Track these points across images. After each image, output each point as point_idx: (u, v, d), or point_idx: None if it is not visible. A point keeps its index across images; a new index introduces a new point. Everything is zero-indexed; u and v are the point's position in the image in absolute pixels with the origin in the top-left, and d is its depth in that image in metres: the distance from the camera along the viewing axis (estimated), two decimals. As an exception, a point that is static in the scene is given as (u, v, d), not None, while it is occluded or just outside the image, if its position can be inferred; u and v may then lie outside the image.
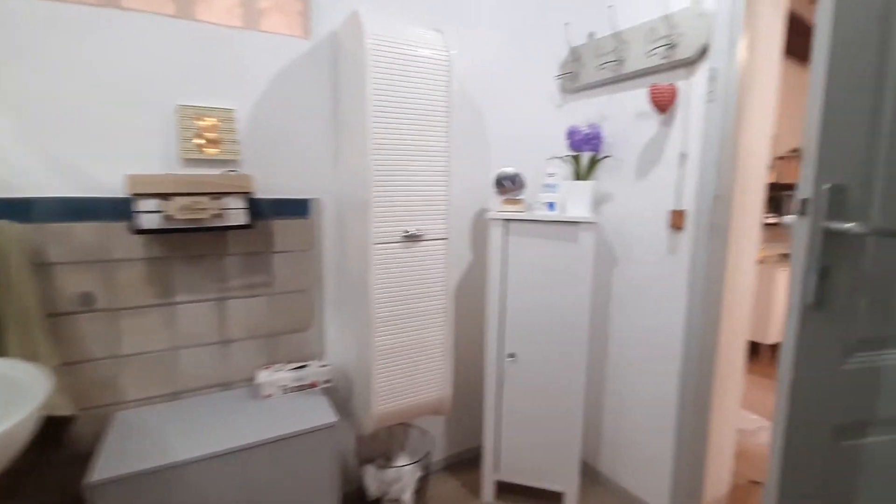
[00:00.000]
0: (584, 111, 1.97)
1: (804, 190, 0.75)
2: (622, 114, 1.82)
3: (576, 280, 1.70)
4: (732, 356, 1.77)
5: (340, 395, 1.80)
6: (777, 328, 3.58)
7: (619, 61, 1.76)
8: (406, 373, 1.63)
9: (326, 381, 1.66)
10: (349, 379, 1.82)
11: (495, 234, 1.78)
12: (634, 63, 1.71)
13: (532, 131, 2.09)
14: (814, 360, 0.80)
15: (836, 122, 0.74)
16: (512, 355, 1.82)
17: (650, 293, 1.77)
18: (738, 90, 1.47)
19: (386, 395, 1.60)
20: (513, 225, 1.77)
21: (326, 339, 1.76)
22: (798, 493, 0.85)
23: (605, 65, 1.81)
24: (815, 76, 0.73)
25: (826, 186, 0.74)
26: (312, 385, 1.65)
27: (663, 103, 1.59)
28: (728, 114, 1.48)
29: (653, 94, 1.59)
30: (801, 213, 0.75)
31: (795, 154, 3.68)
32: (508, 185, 1.82)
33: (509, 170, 1.82)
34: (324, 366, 1.67)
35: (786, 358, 0.80)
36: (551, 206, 1.77)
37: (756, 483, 2.12)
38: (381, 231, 1.50)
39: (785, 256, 3.81)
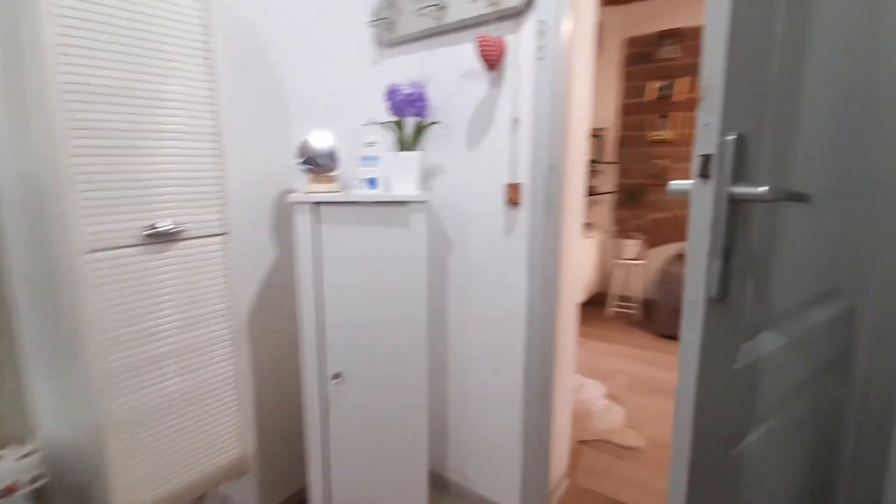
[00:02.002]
0: (406, 69, 1.65)
1: (706, 144, 0.54)
2: (449, 72, 1.55)
3: (409, 272, 1.38)
4: (568, 328, 1.71)
5: (70, 491, 1.16)
6: (584, 287, 3.95)
7: (441, 7, 1.47)
8: (175, 440, 1.11)
9: (35, 479, 1.03)
10: (85, 464, 1.19)
11: (302, 222, 1.34)
12: (458, 11, 1.44)
13: (344, 91, 1.69)
14: (713, 362, 0.61)
15: (737, 60, 0.54)
16: (337, 375, 1.43)
17: (489, 277, 1.57)
18: (568, 47, 1.32)
19: (143, 482, 1.05)
20: (325, 209, 1.36)
21: (34, 410, 1.10)
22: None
23: (426, 9, 1.50)
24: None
25: (731, 137, 0.53)
26: (9, 490, 1.00)
27: (493, 58, 1.36)
28: (559, 74, 1.33)
29: (481, 46, 1.34)
30: (703, 174, 0.54)
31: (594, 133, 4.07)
32: (317, 160, 1.39)
33: (318, 138, 1.40)
34: (28, 454, 1.03)
35: (687, 365, 0.59)
36: (372, 183, 1.41)
37: (582, 442, 2.19)
38: (98, 230, 0.94)
39: (589, 226, 4.25)
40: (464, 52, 1.48)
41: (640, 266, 4.02)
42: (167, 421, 1.05)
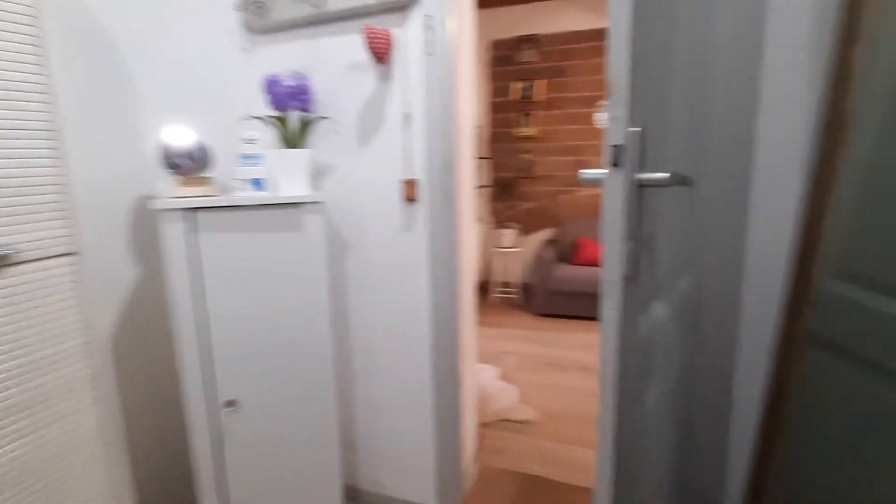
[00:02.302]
0: (285, 58, 1.51)
1: (616, 135, 0.59)
2: (334, 65, 1.46)
3: (307, 280, 1.29)
4: (468, 318, 1.77)
5: None
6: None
7: (319, -6, 1.38)
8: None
9: None
10: None
11: (174, 232, 1.16)
12: (340, 0, 1.37)
13: (211, 82, 1.50)
14: (626, 333, 0.67)
15: (636, 57, 0.60)
16: (231, 403, 1.28)
17: (391, 276, 1.54)
18: (454, 44, 1.35)
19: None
20: (202, 216, 1.19)
21: None
22: (623, 485, 0.74)
23: (302, -3, 1.40)
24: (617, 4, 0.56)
25: (635, 130, 0.59)
26: None
27: (381, 51, 1.32)
28: (448, 70, 1.35)
29: (370, 38, 1.30)
30: (615, 163, 0.59)
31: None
32: (183, 159, 1.21)
33: (177, 135, 1.21)
34: None
35: (608, 338, 0.65)
36: (258, 184, 1.27)
37: (484, 424, 2.30)
38: None
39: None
40: (350, 44, 1.42)
41: (517, 253, 4.34)
42: (8, 497, 0.82)
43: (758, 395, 1.11)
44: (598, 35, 3.97)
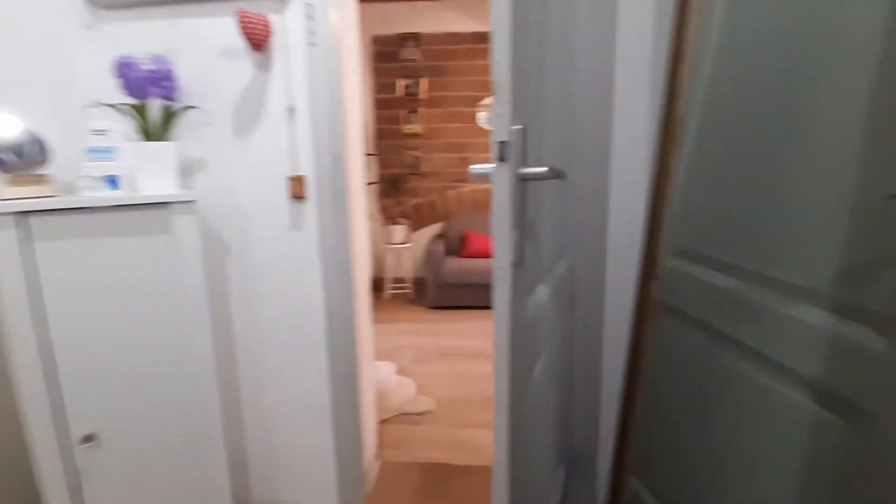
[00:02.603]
0: (142, 39, 1.32)
1: (501, 131, 0.63)
2: (203, 49, 1.32)
3: (179, 289, 1.16)
4: (364, 316, 1.76)
5: None
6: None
7: (180, -30, 1.24)
8: None
9: None
10: None
11: (1, 242, 0.96)
12: (204, -23, 1.25)
13: (46, 66, 1.26)
14: (516, 316, 0.74)
15: (517, 58, 0.65)
16: (89, 438, 1.10)
17: (280, 278, 1.46)
18: (338, 35, 1.32)
19: None
20: (37, 221, 1.00)
21: None
22: (518, 456, 0.81)
23: (158, -30, 1.24)
24: (498, 8, 0.60)
25: (518, 127, 0.64)
26: None
27: (258, 37, 1.23)
28: (332, 62, 1.31)
29: (243, 22, 1.20)
30: (501, 158, 0.64)
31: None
32: (10, 156, 1.00)
33: (5, 127, 1.00)
34: None
35: (501, 322, 0.70)
36: (113, 182, 1.11)
37: (383, 421, 2.31)
38: None
39: (357, 217, 4.36)
40: (222, 27, 1.30)
41: (407, 249, 4.38)
42: None
43: (621, 359, 1.29)
44: (478, 38, 4.17)
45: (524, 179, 0.66)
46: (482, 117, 4.30)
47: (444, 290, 3.90)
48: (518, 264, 0.69)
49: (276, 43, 1.30)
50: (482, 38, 4.16)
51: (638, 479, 1.20)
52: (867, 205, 0.70)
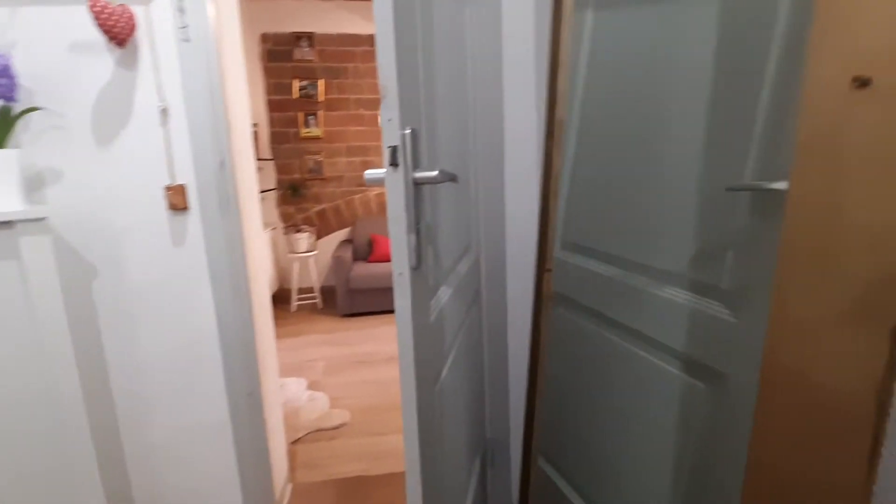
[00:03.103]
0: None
1: (392, 136, 0.63)
2: (49, 43, 1.14)
3: (32, 322, 0.99)
4: (266, 333, 1.65)
5: None
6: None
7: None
8: None
9: None
10: None
11: None
12: (43, -42, 1.08)
13: None
14: (418, 320, 0.74)
15: (403, 62, 0.65)
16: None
17: (162, 300, 1.31)
18: (217, 31, 1.22)
19: None
20: None
21: None
22: (430, 456, 0.81)
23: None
24: (381, 11, 0.60)
25: (407, 131, 0.64)
26: None
27: (118, 31, 1.09)
28: (211, 59, 1.21)
29: (97, 13, 1.05)
30: (393, 163, 0.64)
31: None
32: None
33: None
34: None
35: (404, 327, 0.70)
36: (-72, 197, 0.91)
37: (295, 441, 2.20)
38: None
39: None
40: (72, 16, 1.13)
41: (313, 257, 4.21)
42: None
43: (526, 349, 1.36)
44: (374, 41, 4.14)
45: (417, 184, 0.67)
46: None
47: (354, 297, 3.81)
48: (417, 268, 0.70)
49: (143, 37, 1.16)
50: (379, 40, 4.14)
51: (545, 461, 1.27)
52: (711, 198, 0.82)
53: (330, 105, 4.17)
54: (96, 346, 1.30)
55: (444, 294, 0.94)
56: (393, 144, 0.63)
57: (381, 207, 4.43)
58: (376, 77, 4.16)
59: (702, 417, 0.88)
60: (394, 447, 2.12)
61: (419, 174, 0.66)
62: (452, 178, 0.73)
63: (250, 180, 1.54)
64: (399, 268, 0.67)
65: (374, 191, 4.37)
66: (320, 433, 2.27)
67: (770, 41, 0.70)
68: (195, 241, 1.28)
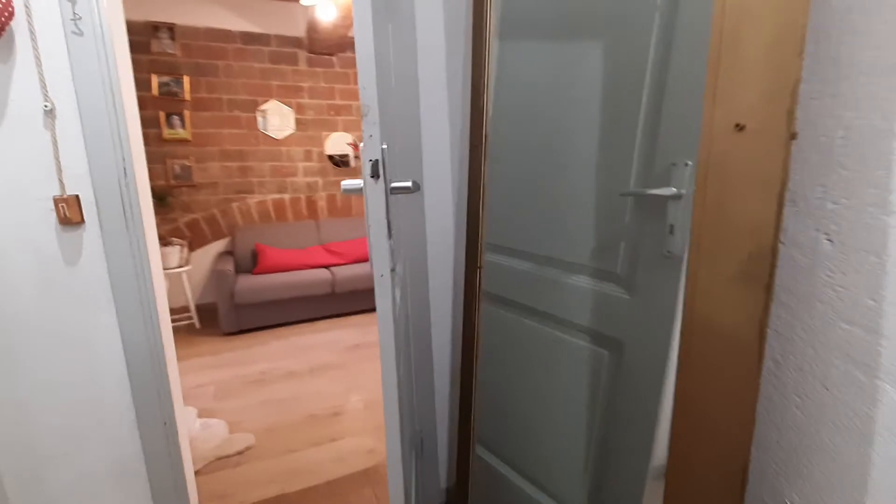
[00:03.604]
0: None
1: (373, 151, 0.70)
2: None
3: None
4: (171, 354, 1.51)
5: None
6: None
7: None
8: None
9: None
10: None
11: None
12: None
13: None
14: (397, 325, 0.82)
15: (380, 83, 0.71)
16: None
17: (52, 331, 1.12)
18: (111, 24, 1.10)
19: None
20: None
21: None
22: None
23: None
24: (362, 35, 0.66)
25: (384, 146, 0.72)
26: None
27: (-9, 18, 0.93)
28: (108, 54, 1.09)
29: (-36, -6, 0.88)
30: (374, 175, 0.70)
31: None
32: None
33: None
34: None
35: (385, 326, 0.77)
36: None
37: (197, 473, 2.03)
38: None
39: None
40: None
41: (185, 272, 3.79)
42: None
43: (447, 343, 1.48)
44: (249, 38, 3.89)
45: (392, 192, 0.74)
46: (264, 123, 4.05)
47: (239, 313, 3.53)
48: (394, 269, 0.77)
49: (19, 27, 1.00)
50: (254, 38, 3.91)
51: (482, 446, 1.41)
52: (608, 201, 1.03)
53: (198, 105, 3.81)
54: (-51, 392, 1.06)
55: (397, 294, 1.01)
56: (374, 158, 0.69)
57: (264, 216, 4.18)
58: (252, 77, 3.92)
59: (607, 378, 1.09)
60: (308, 462, 2.07)
61: (395, 184, 0.73)
62: (417, 187, 0.81)
63: (145, 188, 1.40)
64: (380, 270, 0.73)
65: (256, 198, 4.11)
66: (223, 461, 2.11)
67: (642, 86, 0.92)
68: (93, 258, 1.13)
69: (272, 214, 4.20)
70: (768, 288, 0.55)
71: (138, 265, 1.18)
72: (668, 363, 0.88)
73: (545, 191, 1.18)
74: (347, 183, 0.72)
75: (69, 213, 1.08)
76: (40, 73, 1.03)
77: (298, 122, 4.18)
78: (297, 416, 2.46)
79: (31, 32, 1.01)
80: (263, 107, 4.03)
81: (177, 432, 1.31)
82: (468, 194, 1.22)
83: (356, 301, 3.87)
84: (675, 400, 0.64)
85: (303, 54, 4.12)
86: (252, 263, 3.89)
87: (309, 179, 4.31)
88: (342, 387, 2.75)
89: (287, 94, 4.10)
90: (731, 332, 0.56)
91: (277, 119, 4.10)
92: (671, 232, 0.86)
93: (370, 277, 4.01)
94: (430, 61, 1.34)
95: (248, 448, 2.20)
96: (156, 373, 1.24)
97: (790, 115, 0.53)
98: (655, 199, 0.91)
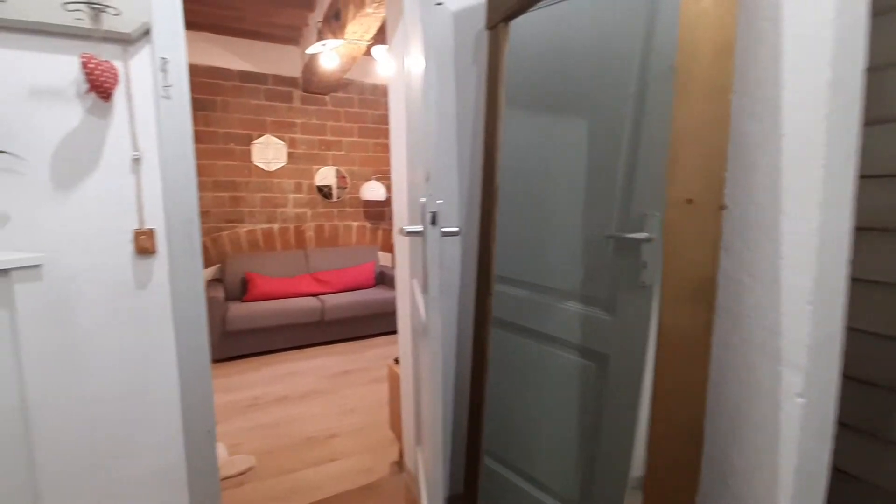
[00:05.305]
0: None
1: (433, 205, 0.94)
2: (9, 87, 1.10)
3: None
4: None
5: None
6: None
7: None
8: None
9: None
10: None
11: None
12: (26, 8, 1.07)
13: None
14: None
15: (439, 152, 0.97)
16: None
17: (119, 346, 1.28)
18: (189, 88, 1.32)
19: None
20: None
21: None
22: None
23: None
24: (428, 119, 0.92)
25: (441, 202, 0.97)
26: None
27: (105, 86, 1.13)
28: (184, 114, 1.30)
29: (89, 68, 1.09)
30: (434, 223, 0.95)
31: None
32: None
33: None
34: None
35: (435, 343, 0.99)
36: None
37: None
38: None
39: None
40: (31, 61, 1.12)
41: (174, 299, 3.84)
42: None
43: (452, 357, 1.70)
44: (245, 77, 4.12)
45: (443, 236, 0.99)
46: (259, 155, 4.23)
47: (229, 340, 3.61)
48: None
49: (118, 91, 1.21)
50: (250, 77, 4.14)
51: (490, 458, 1.60)
52: (594, 241, 1.31)
53: (196, 137, 3.96)
54: (20, 401, 1.19)
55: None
56: (434, 210, 0.94)
57: (252, 245, 4.30)
58: (247, 113, 4.14)
59: (593, 386, 1.34)
60: (310, 480, 2.19)
61: (446, 229, 0.98)
62: (459, 233, 1.06)
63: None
64: (434, 293, 0.97)
65: (246, 227, 4.25)
66: (225, 482, 2.19)
67: (619, 153, 1.21)
68: (160, 283, 1.30)
69: (261, 243, 4.34)
70: (712, 307, 0.83)
71: (195, 289, 1.36)
72: (645, 368, 1.14)
73: (542, 232, 1.45)
74: (409, 227, 0.96)
75: (145, 244, 1.27)
76: (132, 129, 1.23)
77: (290, 155, 4.39)
78: (294, 439, 2.56)
79: (129, 96, 1.22)
80: (259, 140, 4.23)
81: (215, 443, 1.46)
82: (479, 233, 1.47)
83: (344, 329, 4.01)
84: (653, 386, 0.89)
85: (297, 93, 4.37)
86: (242, 291, 3.99)
87: (298, 210, 4.49)
88: (335, 410, 2.87)
89: (281, 129, 4.33)
90: (690, 336, 0.83)
91: (271, 152, 4.30)
92: (644, 267, 1.13)
93: (358, 306, 4.15)
94: (447, 126, 1.61)
95: (249, 469, 2.30)
96: (202, 384, 1.40)
97: (720, 194, 0.82)
98: (632, 241, 1.19)
